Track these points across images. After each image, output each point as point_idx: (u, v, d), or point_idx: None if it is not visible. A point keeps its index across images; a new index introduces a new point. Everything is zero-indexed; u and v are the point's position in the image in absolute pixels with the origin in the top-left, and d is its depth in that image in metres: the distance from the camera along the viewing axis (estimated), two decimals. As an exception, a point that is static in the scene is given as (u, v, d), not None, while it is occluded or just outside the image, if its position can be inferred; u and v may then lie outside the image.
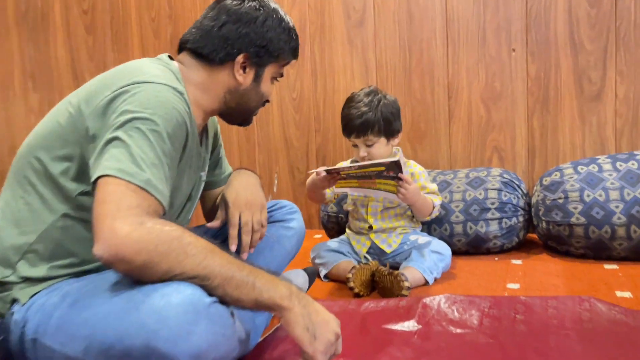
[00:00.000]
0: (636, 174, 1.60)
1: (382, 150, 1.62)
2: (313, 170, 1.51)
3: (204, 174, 1.16)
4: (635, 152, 1.69)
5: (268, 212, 1.27)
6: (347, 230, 1.77)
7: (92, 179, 0.81)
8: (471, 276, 1.55)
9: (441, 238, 1.75)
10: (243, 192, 1.14)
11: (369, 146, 1.60)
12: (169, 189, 0.86)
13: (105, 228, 0.75)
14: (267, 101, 1.17)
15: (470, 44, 2.00)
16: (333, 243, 1.68)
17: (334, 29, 2.20)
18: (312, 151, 2.30)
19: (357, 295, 1.41)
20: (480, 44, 1.99)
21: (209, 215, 1.31)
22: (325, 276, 1.59)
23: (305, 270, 1.43)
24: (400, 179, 1.44)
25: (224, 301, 0.81)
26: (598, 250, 1.61)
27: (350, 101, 1.63)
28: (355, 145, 1.63)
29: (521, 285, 1.43)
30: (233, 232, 1.10)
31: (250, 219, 1.11)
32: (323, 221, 1.99)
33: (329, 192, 1.65)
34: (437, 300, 1.25)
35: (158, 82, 0.90)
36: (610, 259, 1.62)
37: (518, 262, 1.67)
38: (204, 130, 1.13)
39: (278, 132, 2.34)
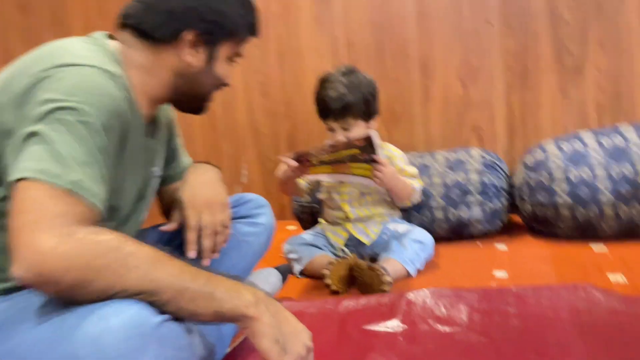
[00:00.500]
0: (622, 150, 1.53)
1: (360, 134, 1.51)
2: (282, 157, 1.38)
3: (157, 169, 1.03)
4: (620, 127, 1.61)
5: (232, 208, 1.14)
6: (322, 221, 1.65)
7: (9, 182, 0.67)
8: (455, 265, 1.45)
9: (421, 225, 1.64)
10: (201, 189, 1.01)
11: (346, 130, 1.48)
12: (106, 190, 0.73)
13: (25, 243, 0.62)
14: (225, 85, 1.03)
15: (444, 18, 1.89)
16: (307, 236, 1.56)
17: (299, 6, 2.06)
18: (282, 138, 2.16)
19: (334, 293, 1.30)
20: (455, 17, 1.88)
21: (168, 214, 1.17)
22: (300, 272, 1.48)
23: (277, 268, 1.31)
24: (375, 161, 1.33)
25: (178, 317, 0.69)
26: (585, 231, 1.54)
27: (325, 82, 1.51)
28: (332, 130, 1.51)
29: (509, 273, 1.35)
30: (191, 236, 0.96)
31: (211, 220, 0.98)
32: (296, 212, 1.87)
33: (303, 183, 1.53)
34: (422, 296, 1.15)
35: (87, 65, 0.75)
36: (598, 239, 1.54)
37: (503, 247, 1.58)
38: (154, 120, 0.99)
39: (244, 119, 2.20)
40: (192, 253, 0.96)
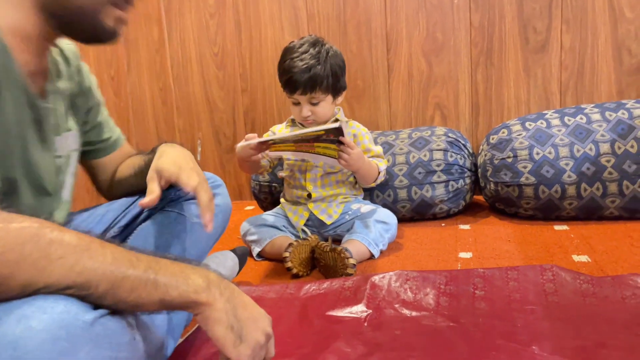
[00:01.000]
0: (585, 129, 1.51)
1: (327, 110, 1.43)
2: (244, 143, 1.28)
3: (69, 138, 0.89)
4: (583, 106, 1.60)
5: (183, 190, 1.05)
6: (282, 200, 1.58)
7: None
8: (419, 246, 1.41)
9: (384, 205, 1.60)
10: (182, 159, 0.93)
11: (314, 104, 1.40)
12: None
13: None
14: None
15: (409, -10, 1.82)
16: (266, 216, 1.49)
17: (258, -27, 1.94)
18: (239, 114, 2.06)
19: (295, 276, 1.24)
20: (421, -10, 1.81)
21: (110, 191, 1.07)
22: (259, 255, 1.40)
23: (234, 251, 1.23)
24: (341, 142, 1.26)
25: (119, 310, 0.60)
26: (547, 210, 1.53)
27: (291, 52, 1.41)
28: (297, 103, 1.42)
29: (474, 254, 1.31)
30: (204, 197, 0.88)
31: (204, 182, 0.92)
32: (254, 191, 1.78)
33: (264, 160, 1.44)
34: (387, 279, 1.10)
35: None
36: (559, 219, 1.54)
37: (466, 227, 1.55)
38: (44, 76, 0.82)
39: (199, 93, 2.08)
40: (208, 217, 0.87)
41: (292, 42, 1.44)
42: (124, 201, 1.04)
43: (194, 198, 1.07)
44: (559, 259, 1.24)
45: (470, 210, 1.70)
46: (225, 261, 1.18)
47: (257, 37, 1.98)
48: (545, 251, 1.29)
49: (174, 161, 0.93)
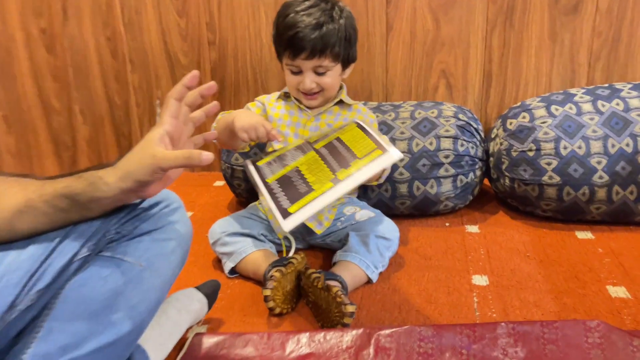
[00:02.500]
0: (622, 118, 1.27)
1: (336, 82, 1.18)
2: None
3: None
4: (618, 86, 1.34)
5: (129, 221, 0.79)
6: (262, 197, 1.31)
7: None
8: (424, 262, 1.19)
9: (380, 201, 1.36)
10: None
11: (319, 74, 1.14)
12: None
13: None
14: None
15: None
16: (240, 220, 1.22)
17: None
18: (206, 71, 1.72)
19: (279, 315, 1.01)
20: None
21: None
22: (233, 270, 1.16)
23: (200, 288, 0.98)
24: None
25: None
26: (569, 214, 1.31)
27: (295, 5, 1.12)
28: (298, 72, 1.15)
29: (489, 278, 1.10)
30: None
31: None
32: (226, 177, 1.50)
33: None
34: (396, 339, 0.88)
35: None
36: (581, 222, 1.33)
37: (474, 229, 1.34)
38: None
39: (157, 44, 1.72)
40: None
41: None
42: (35, 250, 0.75)
43: (145, 233, 0.81)
44: (592, 291, 1.04)
45: (477, 203, 1.47)
46: (189, 304, 0.93)
47: (226, -23, 1.61)
48: (575, 278, 1.09)
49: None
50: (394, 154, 0.88)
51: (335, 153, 0.97)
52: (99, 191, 0.72)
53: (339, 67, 1.18)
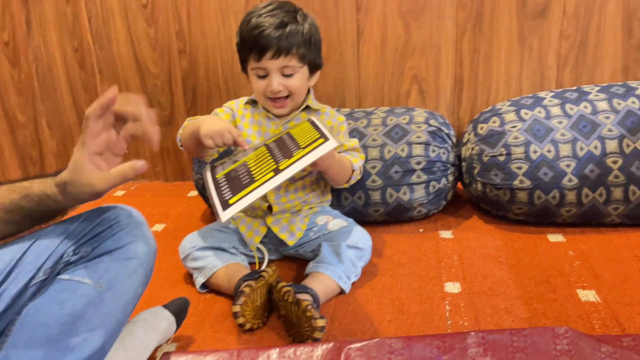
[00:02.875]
0: (590, 121, 1.28)
1: (303, 86, 1.17)
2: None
3: None
4: (586, 89, 1.36)
5: (88, 241, 0.78)
6: (231, 206, 1.30)
7: None
8: (397, 268, 1.19)
9: (354, 209, 1.35)
10: None
11: (287, 76, 1.13)
12: None
13: None
14: None
15: None
16: (211, 234, 1.21)
17: None
18: (177, 80, 1.70)
19: (249, 330, 1.00)
20: None
21: None
22: (204, 285, 1.15)
23: (168, 306, 0.96)
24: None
25: None
26: (541, 217, 1.32)
27: (257, 10, 1.13)
28: (264, 76, 1.14)
29: (462, 285, 1.10)
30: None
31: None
32: (198, 188, 1.48)
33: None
34: (367, 350, 0.87)
35: None
36: (553, 225, 1.34)
37: (448, 234, 1.34)
38: None
39: (126, 54, 1.69)
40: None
41: (255, 6, 1.14)
42: None
43: (105, 253, 0.79)
44: (562, 296, 1.05)
45: (450, 207, 1.47)
46: (157, 323, 0.91)
47: (195, -15, 1.59)
48: (545, 282, 1.10)
49: None
50: (332, 142, 0.92)
51: (282, 146, 0.99)
52: (50, 208, 0.73)
53: (305, 70, 1.17)
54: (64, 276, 0.75)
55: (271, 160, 0.95)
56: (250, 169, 0.95)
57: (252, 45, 1.12)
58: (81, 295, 0.75)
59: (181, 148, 1.16)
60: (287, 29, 1.11)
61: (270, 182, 0.89)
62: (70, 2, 1.62)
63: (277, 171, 0.90)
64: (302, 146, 0.94)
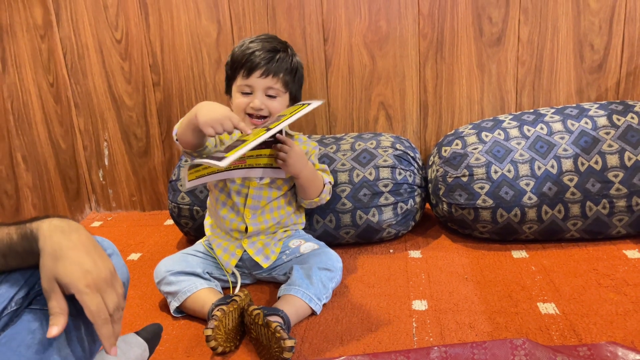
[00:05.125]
0: (546, 142, 1.35)
1: (282, 110, 1.23)
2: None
3: None
4: (543, 111, 1.43)
5: None
6: (208, 231, 1.33)
7: None
8: (367, 289, 1.22)
9: (325, 231, 1.39)
10: (83, 260, 0.71)
11: (270, 97, 1.20)
12: None
13: None
14: None
15: (349, -29, 1.54)
16: (185, 258, 1.24)
17: (164, -59, 1.58)
18: (152, 112, 1.74)
19: (222, 354, 1.02)
20: (362, -30, 1.53)
21: None
22: (178, 310, 1.17)
23: (140, 333, 0.98)
24: (276, 141, 1.12)
25: None
26: (505, 234, 1.37)
27: (249, 38, 1.26)
28: (248, 93, 1.20)
29: (429, 303, 1.14)
30: (107, 330, 0.71)
31: (116, 301, 0.72)
32: (173, 215, 1.51)
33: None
34: (334, 369, 0.90)
35: None
36: (517, 241, 1.39)
37: (417, 254, 1.38)
38: None
39: (101, 87, 1.73)
40: (114, 350, 0.72)
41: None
42: None
43: None
44: (523, 309, 1.09)
45: (420, 228, 1.52)
46: (128, 350, 0.93)
47: (168, 21, 1.65)
48: (508, 297, 1.14)
49: (81, 269, 0.71)
50: (316, 101, 1.08)
51: (273, 119, 1.12)
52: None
53: (287, 97, 1.24)
54: (35, 306, 0.78)
55: (263, 129, 1.04)
56: (244, 139, 1.02)
57: (244, 62, 1.19)
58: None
59: (177, 142, 1.15)
60: (278, 55, 1.20)
61: (262, 137, 0.97)
62: (45, 39, 1.66)
63: (268, 130, 1.00)
64: (289, 112, 1.07)
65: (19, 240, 0.75)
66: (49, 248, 0.72)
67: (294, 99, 1.27)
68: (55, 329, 0.69)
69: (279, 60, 1.20)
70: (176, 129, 1.16)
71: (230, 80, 1.26)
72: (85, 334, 0.80)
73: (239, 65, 1.21)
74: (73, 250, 0.72)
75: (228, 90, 1.28)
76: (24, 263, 0.77)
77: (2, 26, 1.45)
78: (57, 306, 0.70)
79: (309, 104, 1.07)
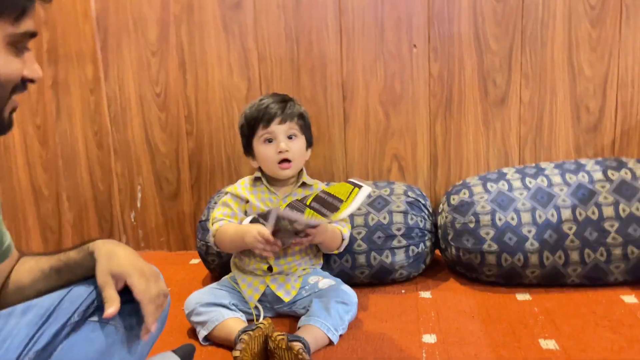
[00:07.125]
0: (546, 193, 1.47)
1: (302, 152, 1.41)
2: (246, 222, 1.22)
3: None
4: (543, 166, 1.56)
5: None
6: (234, 268, 1.44)
7: None
8: (380, 324, 1.32)
9: (342, 271, 1.50)
10: (130, 259, 0.86)
11: (291, 139, 1.37)
12: None
13: None
14: (26, 82, 0.76)
15: (367, 38, 1.72)
16: (213, 291, 1.35)
17: (204, 9, 1.79)
18: (184, 159, 1.91)
19: (247, 375, 1.11)
20: (378, 38, 1.72)
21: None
22: (206, 338, 1.27)
23: (176, 351, 1.09)
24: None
25: None
26: (509, 278, 1.47)
27: (256, 99, 1.44)
28: (269, 140, 1.37)
29: (438, 337, 1.24)
30: (150, 309, 0.84)
31: (158, 289, 0.87)
32: (201, 253, 1.64)
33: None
34: (350, 388, 1.00)
35: None
36: (521, 286, 1.49)
37: (427, 294, 1.48)
38: None
39: (139, 136, 1.90)
40: (154, 327, 0.85)
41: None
42: (33, 316, 0.87)
43: (125, 304, 0.93)
44: (526, 344, 1.18)
45: (430, 271, 1.63)
46: (166, 365, 1.04)
47: (203, 77, 1.84)
48: (512, 334, 1.23)
49: (131, 262, 0.86)
50: (367, 188, 1.17)
51: (324, 203, 1.19)
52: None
53: (304, 140, 1.40)
54: (93, 318, 0.90)
55: (321, 217, 1.16)
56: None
57: (262, 115, 1.36)
58: (106, 335, 0.88)
59: (215, 247, 1.40)
60: (289, 104, 1.39)
61: (317, 220, 1.14)
62: (94, 92, 1.86)
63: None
64: (343, 199, 1.16)
65: (74, 255, 0.91)
66: (104, 252, 0.88)
67: (308, 142, 1.44)
68: (111, 309, 0.82)
69: (290, 107, 1.38)
70: (212, 239, 1.38)
71: (249, 137, 1.41)
72: (132, 347, 0.91)
73: (257, 120, 1.37)
74: (124, 251, 0.88)
75: (247, 151, 1.44)
76: (74, 277, 0.91)
77: (59, 82, 1.65)
78: (111, 294, 0.84)
79: (356, 185, 1.18)
